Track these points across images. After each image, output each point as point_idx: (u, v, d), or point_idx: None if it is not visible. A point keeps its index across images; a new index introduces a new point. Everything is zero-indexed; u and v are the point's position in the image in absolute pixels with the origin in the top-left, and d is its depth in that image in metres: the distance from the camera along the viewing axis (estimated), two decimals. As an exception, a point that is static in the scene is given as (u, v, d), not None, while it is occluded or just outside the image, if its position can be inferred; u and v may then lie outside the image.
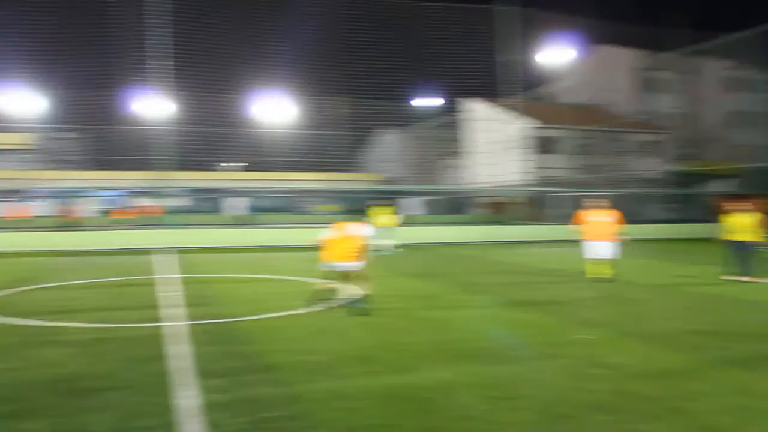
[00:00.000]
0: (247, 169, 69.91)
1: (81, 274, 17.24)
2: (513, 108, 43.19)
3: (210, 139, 64.89)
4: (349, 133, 63.37)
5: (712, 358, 7.84)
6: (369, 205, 23.69)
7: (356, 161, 75.20)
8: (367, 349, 8.19)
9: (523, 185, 45.98)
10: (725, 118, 57.22)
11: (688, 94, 54.00)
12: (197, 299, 12.52)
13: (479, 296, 13.17)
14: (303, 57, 61.23)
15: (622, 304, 12.31)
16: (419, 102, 68.77)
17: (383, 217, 23.11)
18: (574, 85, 55.43)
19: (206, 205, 64.20)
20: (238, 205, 49.09)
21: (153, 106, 47.11)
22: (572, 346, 8.43)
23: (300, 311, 11.01)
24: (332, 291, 11.69)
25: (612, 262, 15.38)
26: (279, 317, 10.47)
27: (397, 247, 23.32)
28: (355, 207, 14.97)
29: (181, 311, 11.01)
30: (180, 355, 7.75)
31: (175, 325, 9.72)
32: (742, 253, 15.36)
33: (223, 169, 71.79)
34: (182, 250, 25.38)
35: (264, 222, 42.47)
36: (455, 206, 63.87)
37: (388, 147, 74.18)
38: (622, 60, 57.04)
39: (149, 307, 11.50)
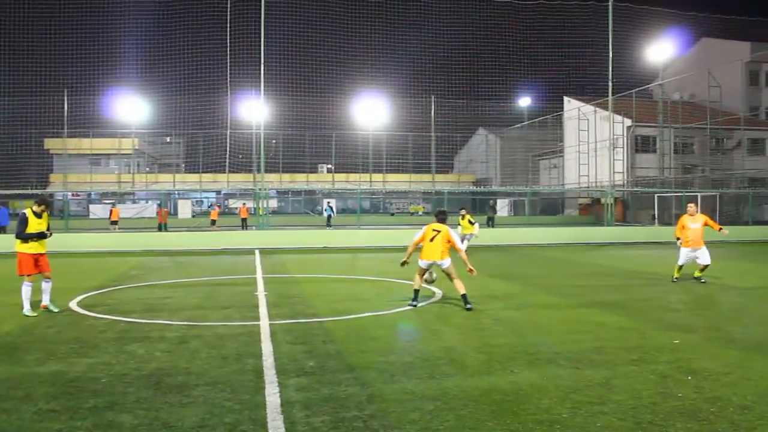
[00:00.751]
0: (338, 171, 70.71)
1: (174, 274, 17.89)
2: (609, 106, 42.02)
3: (305, 142, 66.12)
4: (440, 134, 63.26)
5: (815, 366, 7.43)
6: (460, 211, 23.45)
7: (447, 162, 74.87)
8: (449, 350, 8.14)
9: (616, 186, 44.73)
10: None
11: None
12: (284, 299, 12.76)
13: (566, 299, 12.89)
14: (401, 59, 61.53)
15: (714, 308, 11.86)
16: (514, 101, 68.08)
17: (464, 225, 22.73)
18: (675, 81, 53.47)
19: (296, 206, 65.44)
20: (328, 206, 49.73)
21: (250, 110, 48.37)
22: (660, 350, 8.14)
23: (384, 312, 11.06)
24: (428, 282, 12.45)
25: (704, 267, 15.13)
26: (363, 317, 10.55)
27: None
28: (443, 207, 15.12)
29: (268, 311, 11.24)
30: (265, 354, 7.91)
31: (262, 324, 9.93)
32: None
33: (319, 171, 72.88)
34: (272, 251, 25.96)
35: (353, 223, 42.90)
36: (545, 207, 62.94)
37: (481, 147, 73.56)
38: (729, 53, 54.49)
39: (238, 306, 11.81)
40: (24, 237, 10.75)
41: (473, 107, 63.89)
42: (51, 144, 65.91)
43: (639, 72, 52.87)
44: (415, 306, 11.62)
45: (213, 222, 42.57)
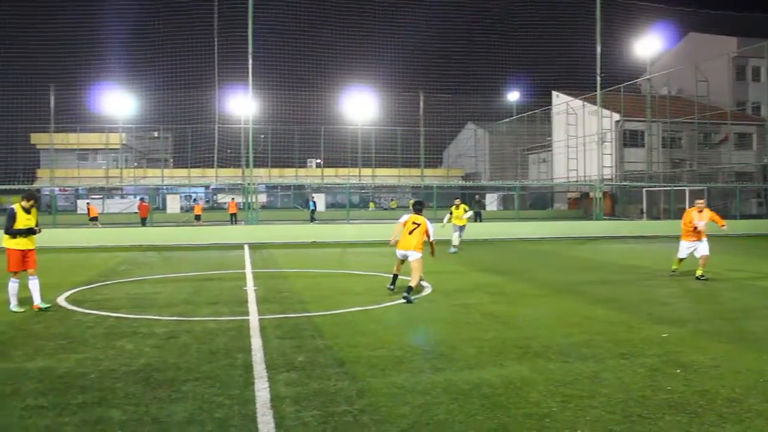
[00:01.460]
0: (327, 165, 70.61)
1: (163, 269, 17.81)
2: (598, 101, 42.14)
3: (294, 137, 65.96)
4: (429, 128, 63.25)
5: (803, 358, 7.49)
6: (454, 202, 23.57)
7: (436, 157, 74.95)
8: (439, 344, 8.16)
9: (605, 180, 44.87)
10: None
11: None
12: (273, 293, 12.74)
13: (555, 292, 12.93)
14: (388, 54, 61.44)
15: (703, 302, 11.92)
16: (503, 96, 68.14)
17: (458, 214, 22.95)
18: (663, 75, 53.64)
19: (286, 201, 65.30)
20: (311, 201, 49.66)
21: (238, 105, 48.20)
22: (649, 343, 8.18)
23: (374, 306, 11.06)
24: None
25: (704, 259, 14.87)
26: (352, 312, 10.54)
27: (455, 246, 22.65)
28: (420, 199, 15.25)
29: (257, 305, 11.22)
30: (254, 349, 7.89)
31: (251, 319, 9.91)
32: None
33: (308, 166, 72.76)
34: (261, 245, 25.91)
35: (341, 217, 42.86)
36: (534, 201, 63.07)
37: (470, 142, 73.63)
38: (716, 48, 54.66)
39: (227, 301, 11.78)
40: (12, 233, 10.65)
41: (462, 102, 63.96)
42: (37, 139, 65.50)
43: (627, 66, 53.07)
44: (392, 290, 12.45)
45: (197, 217, 42.32)
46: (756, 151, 53.21)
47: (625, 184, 46.52)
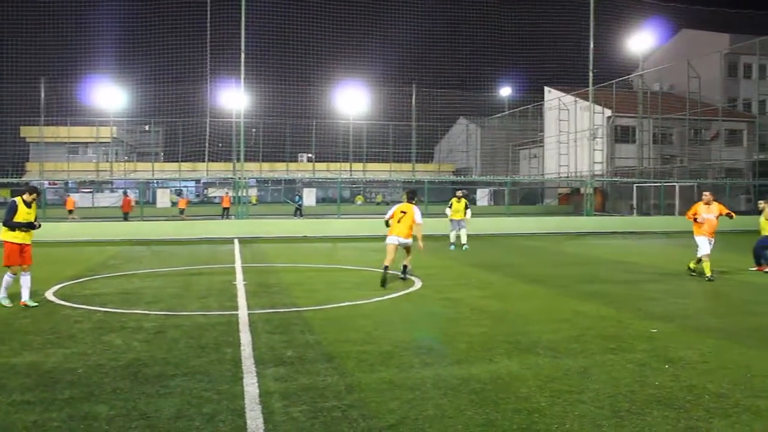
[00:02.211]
0: (318, 160, 70.47)
1: (152, 263, 17.77)
2: (590, 96, 42.20)
3: (285, 131, 65.82)
4: (420, 123, 63.24)
5: (790, 354, 7.53)
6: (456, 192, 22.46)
7: (428, 152, 74.97)
8: (429, 340, 8.16)
9: (596, 176, 44.97)
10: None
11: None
12: (263, 288, 12.71)
13: (545, 288, 12.95)
14: (379, 47, 61.38)
15: (692, 297, 11.95)
16: (495, 91, 68.15)
17: (458, 208, 21.86)
18: (655, 71, 53.75)
19: (276, 196, 65.10)
20: (297, 196, 49.61)
21: (229, 98, 48.04)
22: (638, 339, 8.21)
23: (363, 301, 11.06)
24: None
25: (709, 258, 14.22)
26: (342, 307, 10.53)
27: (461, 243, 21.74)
28: (414, 189, 15.54)
29: (247, 300, 11.19)
30: (243, 343, 7.87)
31: (240, 313, 9.89)
32: None
33: (299, 160, 72.64)
34: (251, 240, 25.86)
35: (332, 212, 42.80)
36: (525, 197, 63.16)
37: (462, 137, 73.65)
38: (708, 44, 54.80)
39: (216, 296, 11.75)
40: (12, 225, 10.56)
41: (454, 97, 63.96)
42: (27, 132, 65.11)
43: (619, 62, 53.16)
44: (403, 278, 13.65)
45: (181, 211, 42.10)
46: (746, 147, 53.39)
47: (616, 180, 46.62)
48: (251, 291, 12.29)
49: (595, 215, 37.97)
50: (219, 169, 61.62)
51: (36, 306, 10.59)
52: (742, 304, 11.16)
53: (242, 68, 34.39)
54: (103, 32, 60.08)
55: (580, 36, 41.59)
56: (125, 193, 44.65)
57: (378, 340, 8.08)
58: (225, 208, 41.98)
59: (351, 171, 66.92)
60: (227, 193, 44.38)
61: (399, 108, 62.34)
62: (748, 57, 54.34)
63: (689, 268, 14.88)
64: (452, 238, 22.07)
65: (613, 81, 50.18)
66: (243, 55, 34.04)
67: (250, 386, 6.16)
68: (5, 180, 43.39)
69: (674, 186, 41.47)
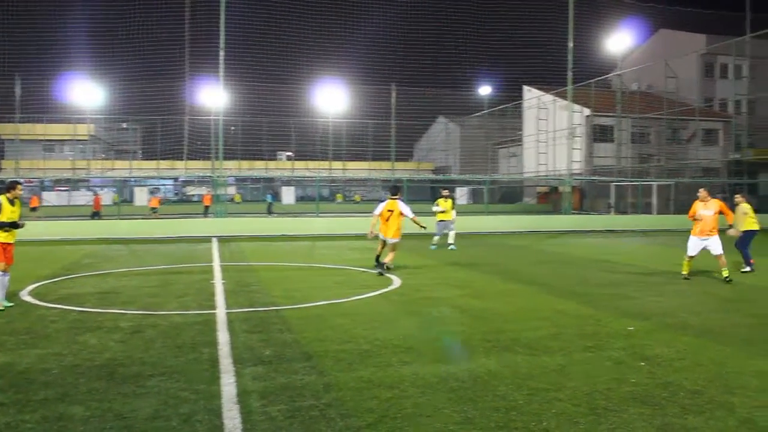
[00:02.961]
0: (297, 158, 70.26)
1: (129, 262, 17.62)
2: (568, 96, 42.42)
3: (264, 129, 65.56)
4: (400, 121, 63.25)
5: (760, 351, 7.65)
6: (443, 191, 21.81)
7: (407, 150, 75.05)
8: (407, 338, 8.15)
9: (574, 174, 45.23)
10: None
11: (756, 80, 52.14)
12: (241, 287, 12.66)
13: (523, 286, 13.00)
14: (358, 45, 61.31)
15: (668, 295, 12.04)
16: (474, 90, 68.30)
17: (446, 207, 21.20)
18: (633, 71, 54.16)
19: (255, 194, 64.88)
20: (269, 194, 49.48)
21: (208, 96, 47.76)
22: (615, 337, 8.28)
23: (342, 300, 11.04)
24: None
25: (720, 260, 13.73)
26: (321, 306, 10.50)
27: (445, 243, 21.34)
28: (396, 186, 15.77)
29: (225, 299, 11.14)
30: (221, 343, 7.83)
31: (218, 312, 9.83)
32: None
33: (277, 159, 72.38)
34: (230, 239, 25.74)
35: (311, 211, 42.70)
36: (504, 195, 63.38)
37: (441, 136, 73.77)
38: (685, 45, 55.35)
39: (194, 295, 11.68)
40: None
41: (434, 95, 64.00)
42: (2, 129, 64.25)
43: (598, 62, 53.47)
44: (376, 265, 14.46)
45: (153, 210, 41.65)
46: (722, 147, 53.97)
47: (594, 178, 46.90)
48: (229, 290, 12.23)
49: (574, 214, 38.19)
50: (198, 167, 61.18)
51: (11, 306, 10.42)
52: (719, 303, 11.26)
53: (221, 66, 34.19)
54: (80, 28, 59.49)
55: (559, 35, 41.76)
56: (95, 192, 44.27)
57: (356, 339, 8.07)
58: (206, 207, 41.71)
59: (330, 169, 66.80)
60: (208, 191, 44.09)
61: (379, 106, 62.23)
62: (724, 57, 54.91)
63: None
64: (435, 240, 21.37)
65: (592, 80, 50.48)
66: (222, 53, 33.84)
67: (228, 386, 6.13)
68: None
69: (652, 185, 41.80)
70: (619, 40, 49.08)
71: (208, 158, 51.82)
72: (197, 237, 26.51)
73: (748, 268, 15.41)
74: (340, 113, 63.33)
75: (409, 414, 5.41)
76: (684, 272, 14.18)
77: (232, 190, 63.42)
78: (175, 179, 69.71)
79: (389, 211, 14.41)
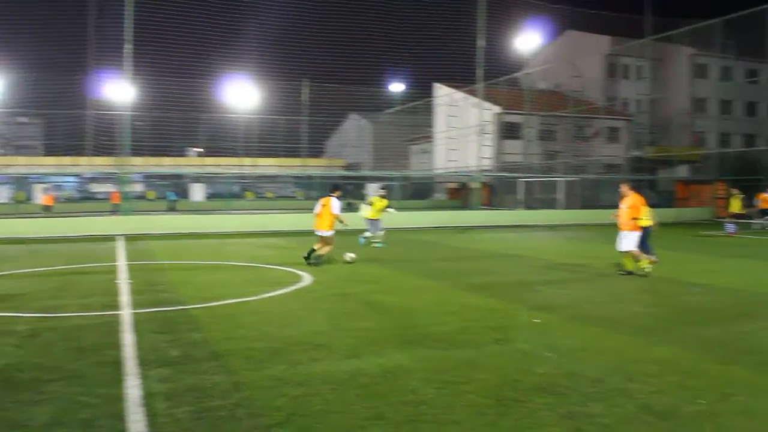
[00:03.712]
0: (207, 154, 68.93)
1: (27, 263, 16.82)
2: (478, 93, 43.13)
3: (172, 125, 64.01)
4: (312, 118, 62.95)
5: (658, 339, 7.97)
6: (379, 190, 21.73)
7: (319, 147, 74.80)
8: (318, 335, 8.10)
9: (483, 170, 46.06)
10: (690, 105, 57.82)
11: (655, 81, 54.43)
12: (148, 286, 12.31)
13: (434, 281, 13.14)
14: (268, 41, 60.64)
15: (574, 288, 12.42)
16: (386, 87, 68.58)
17: (380, 207, 21.05)
18: (541, 70, 55.61)
19: (163, 191, 63.17)
20: (170, 191, 48.56)
21: (114, 90, 46.26)
22: (523, 329, 8.46)
23: (252, 298, 10.89)
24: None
25: (628, 254, 13.94)
26: (230, 304, 10.33)
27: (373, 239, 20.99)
28: (335, 185, 16.19)
29: (130, 299, 10.80)
30: (126, 345, 7.58)
31: (123, 313, 9.52)
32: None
33: (186, 155, 70.82)
34: (136, 237, 24.99)
35: (223, 208, 42.04)
36: (416, 192, 63.96)
37: (353, 132, 73.84)
38: (590, 45, 57.26)
39: (97, 296, 11.26)
40: None
41: (346, 92, 63.91)
42: None
43: (507, 60, 54.46)
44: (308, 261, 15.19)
45: (46, 208, 39.91)
46: (624, 144, 56.12)
47: (503, 174, 47.86)
48: (136, 290, 11.86)
49: (483, 209, 38.87)
50: (103, 163, 59.19)
51: None
52: (620, 294, 11.68)
53: (127, 59, 33.13)
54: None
55: (471, 34, 42.32)
56: (46, 190, 42.47)
57: (266, 337, 7.97)
58: (115, 205, 40.36)
59: (241, 166, 65.84)
60: (117, 189, 42.72)
61: (290, 103, 61.68)
62: (626, 58, 57.11)
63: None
64: (366, 234, 21.03)
65: (502, 78, 51.51)
66: (128, 46, 32.81)
67: (132, 388, 5.93)
68: None
69: (558, 181, 43.00)
70: (528, 40, 50.20)
71: (114, 154, 50.25)
72: (102, 236, 25.60)
73: (653, 257, 15.94)
74: (252, 109, 62.44)
75: (318, 411, 5.38)
76: (630, 268, 13.94)
77: (140, 188, 61.69)
78: (79, 176, 67.22)
79: (323, 205, 15.48)
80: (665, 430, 5.04)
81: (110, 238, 24.40)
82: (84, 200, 58.43)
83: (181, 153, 70.15)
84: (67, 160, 61.80)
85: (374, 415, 5.29)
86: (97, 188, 62.76)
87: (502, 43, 50.85)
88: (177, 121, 64.52)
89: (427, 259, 17.70)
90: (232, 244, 22.35)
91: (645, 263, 13.64)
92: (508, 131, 53.88)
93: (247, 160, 65.49)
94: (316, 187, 57.51)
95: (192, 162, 70.12)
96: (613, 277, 13.79)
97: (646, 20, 49.20)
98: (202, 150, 70.03)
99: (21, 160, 64.62)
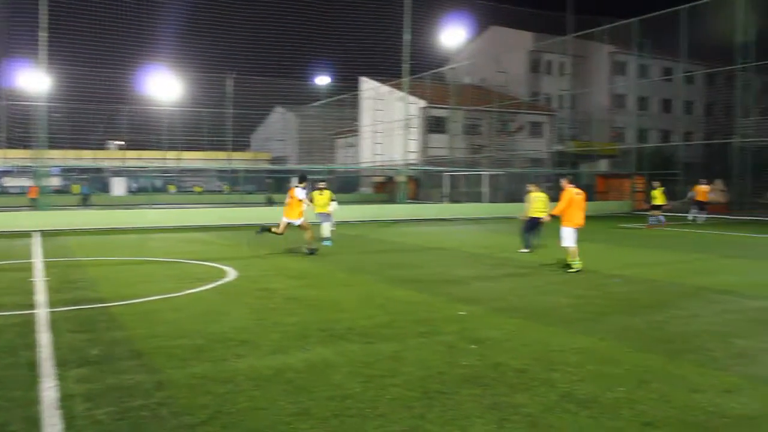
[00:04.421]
0: (127, 147, 67.17)
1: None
2: (404, 87, 43.34)
3: (92, 116, 62.18)
4: (237, 111, 62.13)
5: (579, 329, 8.19)
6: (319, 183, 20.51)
7: (244, 140, 73.89)
8: (241, 331, 8.00)
9: (409, 164, 46.37)
10: (610, 101, 59.57)
11: (577, 77, 55.78)
12: (65, 284, 11.92)
13: (359, 275, 13.17)
14: (190, 32, 59.47)
15: (497, 281, 12.62)
16: (312, 80, 68.24)
17: (320, 202, 19.90)
18: (466, 65, 56.29)
19: (84, 185, 61.38)
20: (84, 186, 47.34)
21: (28, 80, 44.60)
22: (448, 322, 8.56)
23: (175, 294, 10.68)
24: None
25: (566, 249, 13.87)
26: (152, 301, 10.11)
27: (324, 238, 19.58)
28: (302, 175, 17.32)
29: (47, 297, 10.43)
30: (42, 345, 7.32)
31: (39, 312, 9.19)
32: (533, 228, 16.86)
33: (107, 148, 68.83)
34: (54, 233, 24.16)
35: (144, 202, 41.08)
36: (342, 185, 63.94)
37: (278, 125, 73.20)
38: (514, 41, 58.28)
39: (11, 295, 10.83)
40: None
41: (271, 85, 63.29)
42: None
43: (433, 55, 54.95)
44: (258, 233, 17.03)
45: None
46: (547, 139, 57.40)
47: (429, 168, 48.29)
48: (53, 287, 11.45)
49: (409, 203, 39.13)
50: (18, 156, 57.02)
51: None
52: (543, 286, 11.92)
53: (43, 48, 31.98)
54: None
55: (396, 28, 42.45)
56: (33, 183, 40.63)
57: (190, 334, 7.83)
58: (32, 200, 38.88)
59: (165, 159, 64.45)
60: (35, 184, 41.20)
61: (215, 95, 60.74)
62: (549, 55, 58.38)
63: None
64: (326, 232, 19.61)
65: (427, 73, 51.92)
66: (44, 34, 31.66)
67: (49, 390, 5.74)
68: None
69: (483, 175, 43.64)
70: (453, 35, 50.71)
71: (30, 147, 48.48)
72: (17, 231, 24.65)
73: (525, 250, 16.83)
74: (175, 101, 61.19)
75: (243, 408, 5.32)
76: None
77: (57, 182, 59.70)
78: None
79: (291, 196, 16.29)
80: (587, 417, 5.18)
81: (26, 235, 23.51)
82: (-3, 195, 56.19)
83: (101, 146, 68.19)
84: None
85: (300, 411, 5.26)
86: (10, 182, 60.38)
87: (428, 37, 51.30)
88: (97, 113, 62.72)
89: (353, 253, 17.71)
90: (155, 239, 21.86)
91: (577, 262, 13.68)
92: (434, 125, 54.39)
93: (171, 154, 64.19)
94: (241, 182, 56.84)
95: (113, 155, 68.24)
96: (536, 269, 14.09)
97: (568, 18, 50.47)
98: (123, 143, 68.15)
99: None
